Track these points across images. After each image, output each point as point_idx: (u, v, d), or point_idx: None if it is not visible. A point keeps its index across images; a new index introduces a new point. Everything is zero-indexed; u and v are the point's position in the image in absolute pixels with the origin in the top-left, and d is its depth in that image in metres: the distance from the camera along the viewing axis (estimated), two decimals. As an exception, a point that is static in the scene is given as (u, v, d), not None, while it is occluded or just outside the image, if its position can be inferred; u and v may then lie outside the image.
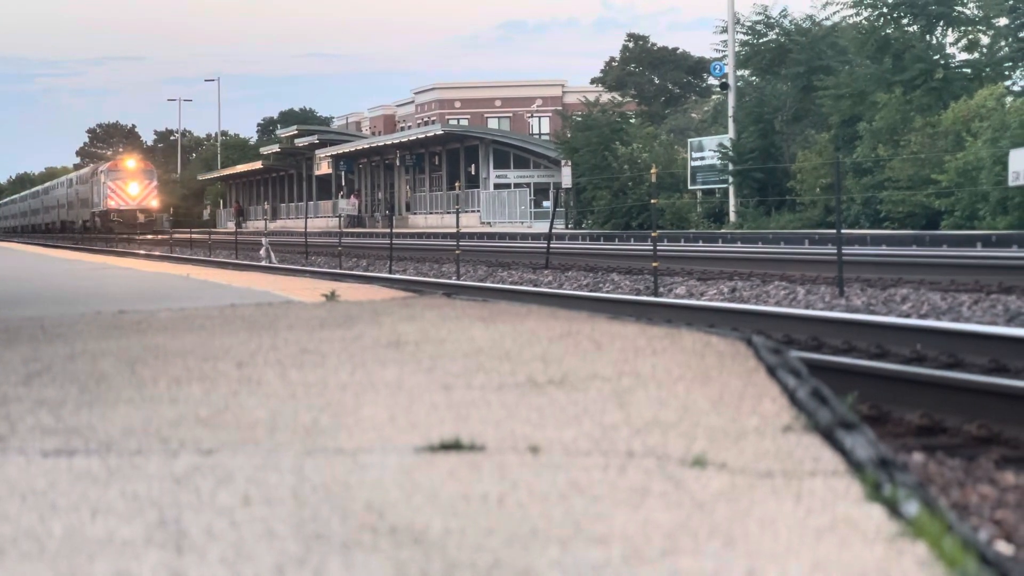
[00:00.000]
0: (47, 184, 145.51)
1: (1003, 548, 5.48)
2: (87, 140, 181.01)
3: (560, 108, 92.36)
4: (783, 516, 3.31)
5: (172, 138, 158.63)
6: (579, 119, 65.45)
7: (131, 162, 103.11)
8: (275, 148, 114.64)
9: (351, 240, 51.74)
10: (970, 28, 47.87)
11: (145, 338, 7.37)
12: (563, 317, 8.06)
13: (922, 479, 5.50)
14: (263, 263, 39.23)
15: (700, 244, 40.02)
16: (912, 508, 3.39)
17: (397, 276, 29.22)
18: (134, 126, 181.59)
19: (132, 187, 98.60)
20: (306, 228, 51.56)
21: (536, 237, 48.54)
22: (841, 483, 3.62)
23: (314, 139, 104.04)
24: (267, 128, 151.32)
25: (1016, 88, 47.53)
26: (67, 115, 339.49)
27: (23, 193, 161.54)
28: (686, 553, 3.03)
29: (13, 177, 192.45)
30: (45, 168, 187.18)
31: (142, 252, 50.68)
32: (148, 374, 5.83)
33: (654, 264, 21.97)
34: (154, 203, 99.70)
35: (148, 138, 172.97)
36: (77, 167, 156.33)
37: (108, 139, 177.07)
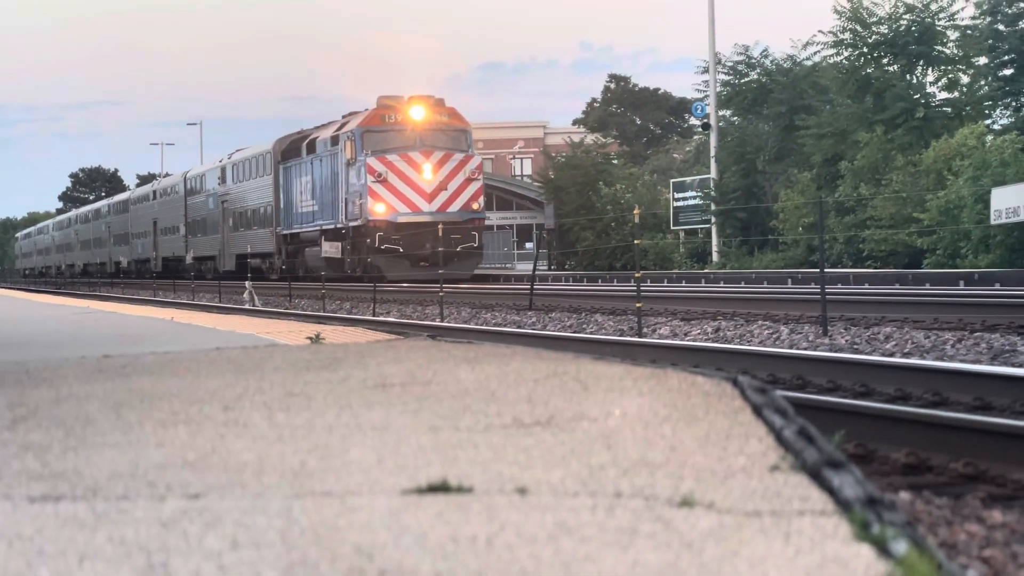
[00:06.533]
0: (134, 192, 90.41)
1: (991, 586, 5.48)
2: (69, 185, 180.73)
3: (542, 149, 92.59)
4: (772, 556, 3.31)
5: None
6: (562, 160, 65.59)
7: (418, 110, 48.83)
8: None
9: (334, 283, 51.37)
10: (950, 67, 48.09)
11: (130, 381, 7.35)
12: (548, 358, 8.06)
13: (910, 518, 5.49)
14: (246, 306, 39.18)
15: (683, 284, 40.06)
16: (901, 547, 3.39)
17: (381, 318, 29.20)
18: (116, 170, 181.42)
19: (427, 170, 47.72)
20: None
21: (519, 278, 48.47)
22: (829, 522, 3.62)
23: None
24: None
25: (996, 127, 47.71)
26: (48, 160, 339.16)
27: (71, 214, 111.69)
28: (676, 593, 3.02)
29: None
30: (28, 213, 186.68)
31: (126, 296, 50.45)
32: (134, 418, 5.82)
33: (638, 304, 21.98)
34: (475, 204, 49.44)
35: (131, 181, 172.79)
36: (60, 211, 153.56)
37: (91, 183, 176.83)
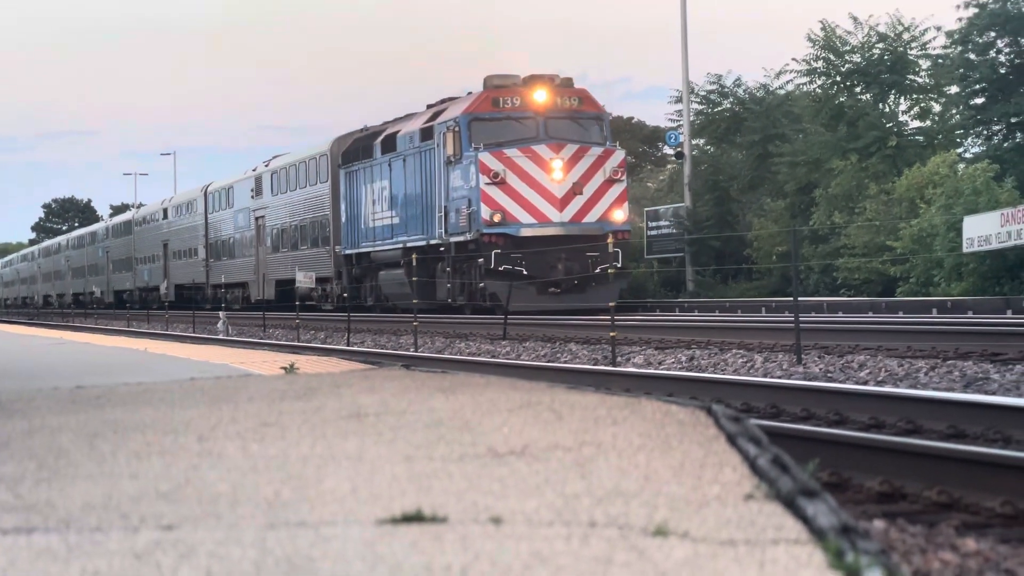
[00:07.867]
0: (139, 211, 76.00)
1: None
2: (42, 215, 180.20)
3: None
4: (747, 584, 3.31)
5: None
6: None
7: (542, 92, 37.69)
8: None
9: (308, 313, 50.62)
10: (922, 96, 48.36)
11: (104, 412, 7.33)
12: (522, 387, 8.06)
13: (884, 546, 5.50)
14: (220, 336, 39.09)
15: (657, 313, 40.02)
16: (875, 575, 3.40)
17: (355, 348, 29.16)
18: (89, 201, 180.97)
19: (557, 168, 36.69)
20: (263, 300, 49.73)
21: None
22: (804, 551, 3.63)
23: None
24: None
25: (968, 155, 47.96)
26: (20, 191, 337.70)
27: (62, 239, 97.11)
28: (651, 623, 3.02)
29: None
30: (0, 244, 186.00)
31: (99, 327, 50.29)
32: (108, 449, 5.80)
33: (612, 334, 21.99)
34: (619, 214, 37.67)
35: (104, 212, 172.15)
36: (32, 242, 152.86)
37: (64, 214, 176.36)
